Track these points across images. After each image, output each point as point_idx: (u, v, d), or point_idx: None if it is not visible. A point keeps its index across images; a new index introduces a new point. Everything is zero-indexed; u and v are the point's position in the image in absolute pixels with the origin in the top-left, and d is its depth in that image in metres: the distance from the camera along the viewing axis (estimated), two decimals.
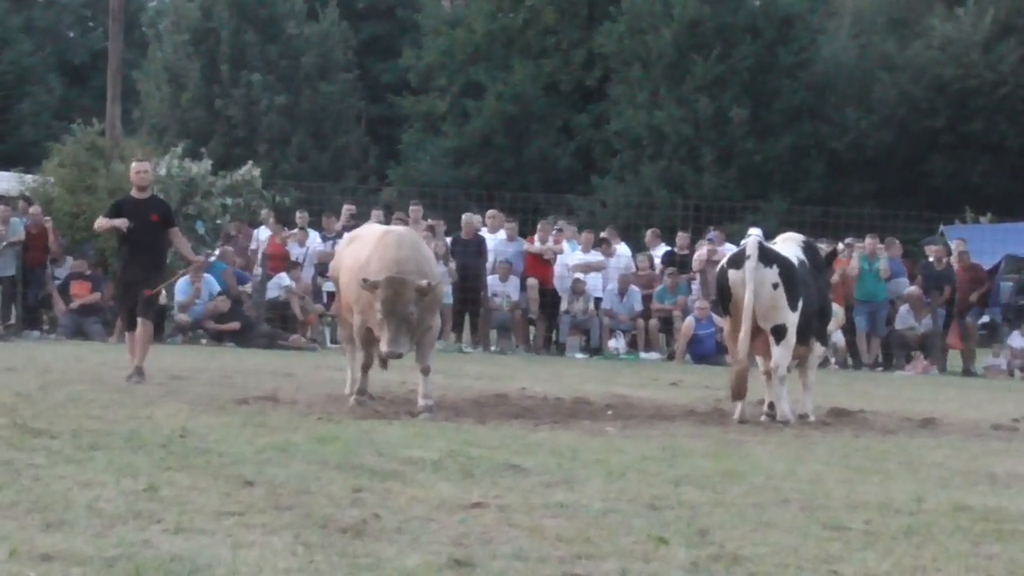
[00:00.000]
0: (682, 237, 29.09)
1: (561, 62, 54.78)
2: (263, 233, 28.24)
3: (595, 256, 28.34)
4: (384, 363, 14.73)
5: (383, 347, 13.71)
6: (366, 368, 14.81)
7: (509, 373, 20.53)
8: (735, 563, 7.16)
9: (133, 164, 17.21)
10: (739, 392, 14.37)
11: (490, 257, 27.74)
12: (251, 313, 26.12)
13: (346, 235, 17.53)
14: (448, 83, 56.15)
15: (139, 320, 16.67)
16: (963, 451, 12.65)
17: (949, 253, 28.20)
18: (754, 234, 17.46)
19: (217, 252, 27.06)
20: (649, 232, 30.15)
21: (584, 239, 28.73)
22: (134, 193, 17.29)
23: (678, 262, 28.12)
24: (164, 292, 24.87)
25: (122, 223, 16.71)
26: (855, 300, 27.03)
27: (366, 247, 14.32)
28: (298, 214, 28.86)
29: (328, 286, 26.49)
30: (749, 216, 40.55)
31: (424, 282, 13.64)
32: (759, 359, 14.71)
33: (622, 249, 28.93)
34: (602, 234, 29.32)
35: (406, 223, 24.59)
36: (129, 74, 48.86)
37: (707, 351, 26.07)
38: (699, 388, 18.86)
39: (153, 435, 11.16)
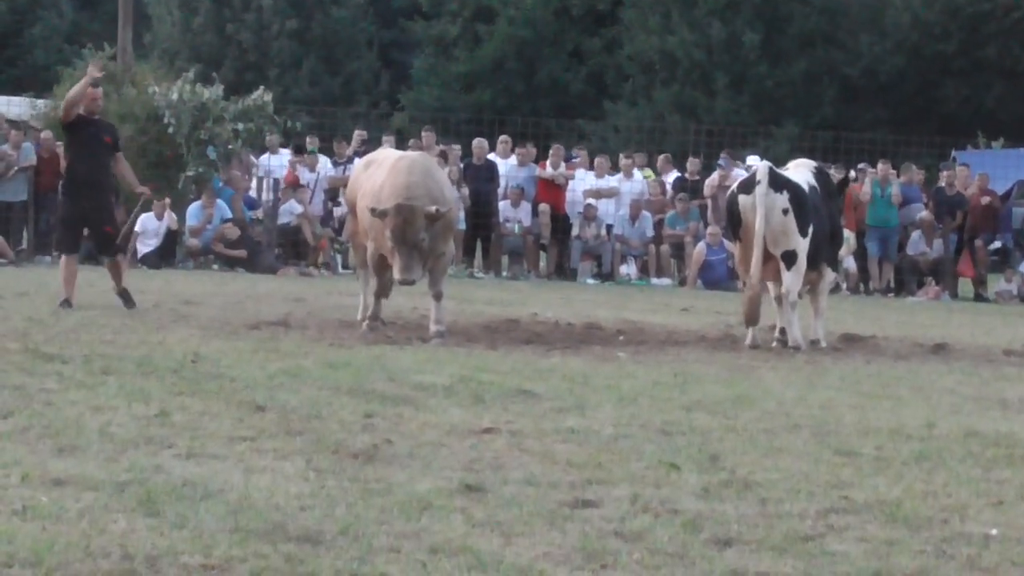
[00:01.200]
0: (693, 163, 28.96)
1: None
2: (274, 159, 28.13)
3: (607, 181, 28.24)
4: (387, 293, 14.79)
5: (396, 275, 13.65)
6: (379, 295, 14.74)
7: (520, 299, 20.52)
8: (746, 488, 7.17)
9: (89, 89, 16.26)
10: (752, 317, 14.34)
11: (502, 183, 27.66)
12: (261, 239, 26.08)
13: (359, 161, 17.41)
14: (460, 7, 55.80)
15: (106, 260, 16.42)
16: (974, 376, 12.62)
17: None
18: (754, 163, 17.40)
19: (222, 177, 26.89)
20: (661, 157, 29.99)
21: (597, 164, 28.61)
22: (84, 114, 16.32)
23: (689, 188, 28.03)
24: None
25: (96, 67, 16.51)
26: (867, 225, 26.93)
27: (380, 172, 14.26)
28: (308, 139, 28.72)
29: (339, 211, 26.50)
30: (761, 142, 40.39)
31: (433, 208, 13.51)
32: (770, 285, 14.67)
33: (637, 175, 28.79)
34: (623, 158, 29.09)
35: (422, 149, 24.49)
36: None
37: (719, 277, 26.02)
38: (710, 314, 18.83)
39: (165, 360, 11.15)
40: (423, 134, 28.14)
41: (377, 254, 14.21)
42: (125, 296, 16.02)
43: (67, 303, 15.60)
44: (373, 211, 13.61)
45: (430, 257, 13.84)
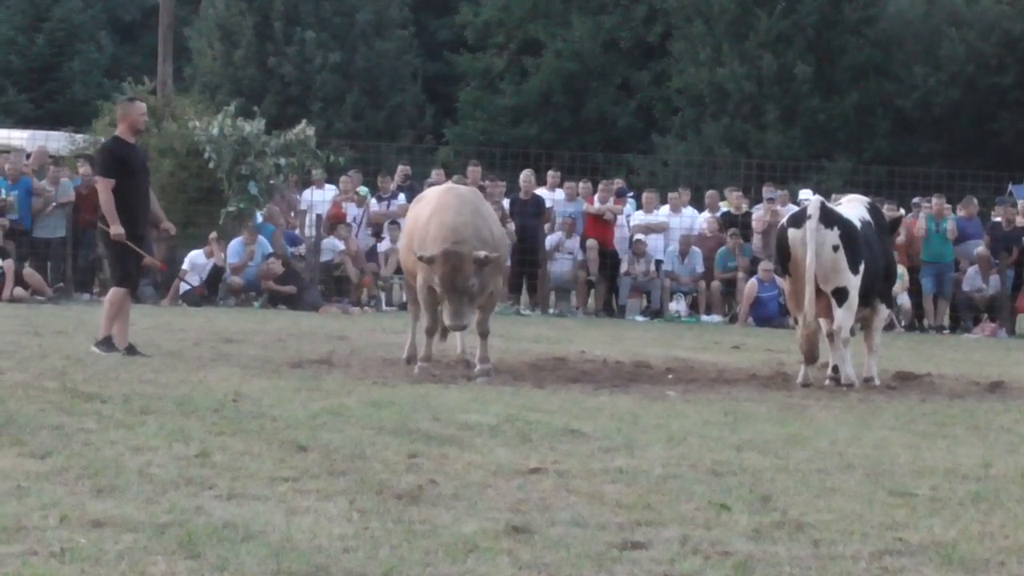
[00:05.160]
0: (739, 197, 28.70)
1: (621, 18, 54.38)
2: (317, 194, 28.11)
3: (656, 217, 28.12)
4: (445, 335, 14.48)
5: (446, 320, 13.42)
6: (430, 331, 14.22)
7: (568, 336, 20.44)
8: (798, 530, 7.07)
9: (137, 103, 15.49)
10: (811, 355, 14.22)
11: (552, 217, 27.54)
12: (305, 276, 26.02)
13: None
14: (506, 40, 55.90)
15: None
16: None
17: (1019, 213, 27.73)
18: (806, 198, 17.27)
19: (261, 213, 26.78)
20: (708, 194, 29.71)
21: (646, 199, 28.51)
22: (126, 137, 15.28)
23: (740, 223, 27.82)
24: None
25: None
26: (921, 261, 26.71)
27: (426, 208, 14.02)
28: (348, 175, 28.45)
29: (381, 247, 26.52)
30: (813, 176, 40.20)
31: (482, 254, 13.24)
32: (822, 322, 14.52)
33: (687, 210, 28.65)
34: (671, 193, 28.99)
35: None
36: (181, 32, 48.69)
37: (770, 313, 25.84)
38: (762, 351, 18.74)
39: (205, 399, 11.12)
40: (469, 169, 27.99)
41: (426, 286, 13.80)
42: (132, 350, 14.75)
43: (132, 349, 14.68)
44: (421, 257, 13.40)
45: (480, 297, 13.61)
